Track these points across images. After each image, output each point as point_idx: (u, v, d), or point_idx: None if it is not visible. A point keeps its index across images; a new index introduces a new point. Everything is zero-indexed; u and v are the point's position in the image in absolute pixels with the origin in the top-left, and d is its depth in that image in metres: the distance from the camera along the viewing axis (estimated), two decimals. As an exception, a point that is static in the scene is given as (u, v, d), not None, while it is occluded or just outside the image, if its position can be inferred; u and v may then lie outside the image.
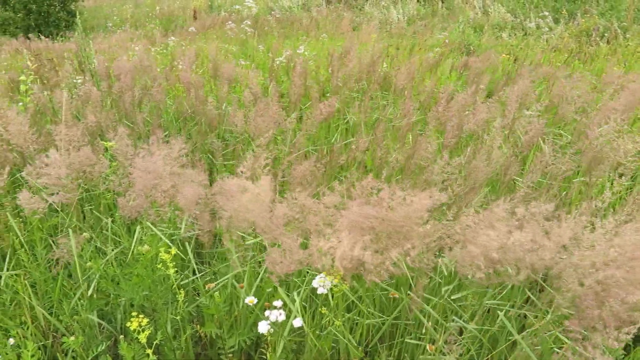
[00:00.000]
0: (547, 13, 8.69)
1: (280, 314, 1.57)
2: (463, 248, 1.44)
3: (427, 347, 1.68)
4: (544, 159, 2.02)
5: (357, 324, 1.96)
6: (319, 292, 1.60)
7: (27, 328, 1.88)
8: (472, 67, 4.25)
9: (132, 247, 1.89)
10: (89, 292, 1.88)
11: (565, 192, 2.27)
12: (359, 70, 3.78)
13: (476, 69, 4.09)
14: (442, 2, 11.00)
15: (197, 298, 2.01)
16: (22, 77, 3.28)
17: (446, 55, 5.38)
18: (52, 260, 2.24)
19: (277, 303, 1.60)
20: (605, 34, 7.48)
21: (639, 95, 2.57)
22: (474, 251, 1.31)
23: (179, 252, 1.86)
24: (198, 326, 1.92)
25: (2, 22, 12.62)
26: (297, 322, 1.58)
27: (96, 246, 2.27)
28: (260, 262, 2.04)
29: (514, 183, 2.47)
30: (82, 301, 1.94)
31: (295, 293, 1.70)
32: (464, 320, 1.77)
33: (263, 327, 1.54)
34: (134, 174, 1.75)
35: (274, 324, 1.57)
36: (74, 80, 3.59)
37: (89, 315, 1.84)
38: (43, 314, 1.92)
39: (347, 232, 1.36)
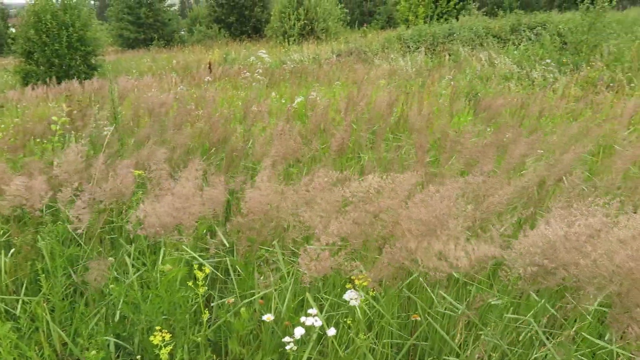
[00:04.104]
0: (549, 60, 8.97)
1: (316, 320, 1.63)
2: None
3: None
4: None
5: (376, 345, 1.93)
6: (351, 304, 1.67)
7: (42, 354, 1.86)
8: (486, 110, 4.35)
9: (155, 268, 1.89)
10: (116, 318, 1.86)
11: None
12: (371, 112, 3.87)
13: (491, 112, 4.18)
14: (450, 55, 11.36)
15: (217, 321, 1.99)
16: (54, 118, 3.46)
17: (456, 99, 5.51)
18: (70, 288, 2.25)
19: (312, 311, 1.66)
20: (611, 84, 7.64)
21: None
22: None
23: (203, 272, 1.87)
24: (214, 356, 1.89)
25: (25, 74, 13.18)
26: (331, 332, 1.65)
27: (115, 274, 2.28)
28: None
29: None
30: (98, 326, 1.92)
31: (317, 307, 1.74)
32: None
33: (299, 332, 1.61)
34: (162, 197, 1.80)
35: (298, 341, 1.60)
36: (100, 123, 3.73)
37: (106, 337, 1.82)
38: (59, 337, 1.90)
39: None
